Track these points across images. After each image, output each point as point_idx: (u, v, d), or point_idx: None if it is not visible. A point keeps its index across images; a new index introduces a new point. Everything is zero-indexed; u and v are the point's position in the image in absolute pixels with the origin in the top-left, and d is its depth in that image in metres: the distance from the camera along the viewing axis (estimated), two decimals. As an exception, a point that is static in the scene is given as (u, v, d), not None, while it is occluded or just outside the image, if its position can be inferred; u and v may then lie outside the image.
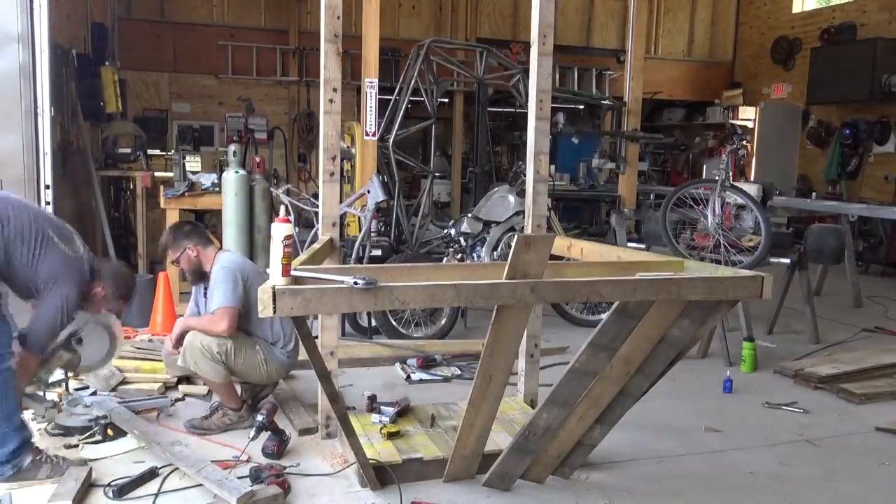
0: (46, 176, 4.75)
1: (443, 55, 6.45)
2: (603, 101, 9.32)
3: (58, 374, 3.79)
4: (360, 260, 5.50)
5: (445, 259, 5.90)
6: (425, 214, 6.33)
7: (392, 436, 3.45)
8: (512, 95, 7.41)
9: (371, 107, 6.14)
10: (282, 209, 2.79)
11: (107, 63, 7.38)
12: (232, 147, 5.99)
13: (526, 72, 5.48)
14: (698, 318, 2.83)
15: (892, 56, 9.69)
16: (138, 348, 4.71)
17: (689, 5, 12.14)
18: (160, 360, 4.39)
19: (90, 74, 6.96)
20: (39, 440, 3.51)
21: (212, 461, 3.25)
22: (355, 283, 2.37)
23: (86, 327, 3.70)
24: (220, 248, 3.99)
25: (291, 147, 9.90)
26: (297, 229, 5.84)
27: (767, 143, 11.21)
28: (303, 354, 2.78)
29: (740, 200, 5.76)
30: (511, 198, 6.07)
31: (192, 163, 7.58)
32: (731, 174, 5.95)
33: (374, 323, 5.54)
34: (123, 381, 4.28)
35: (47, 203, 4.75)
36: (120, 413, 3.65)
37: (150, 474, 3.15)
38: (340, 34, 3.43)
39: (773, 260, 5.70)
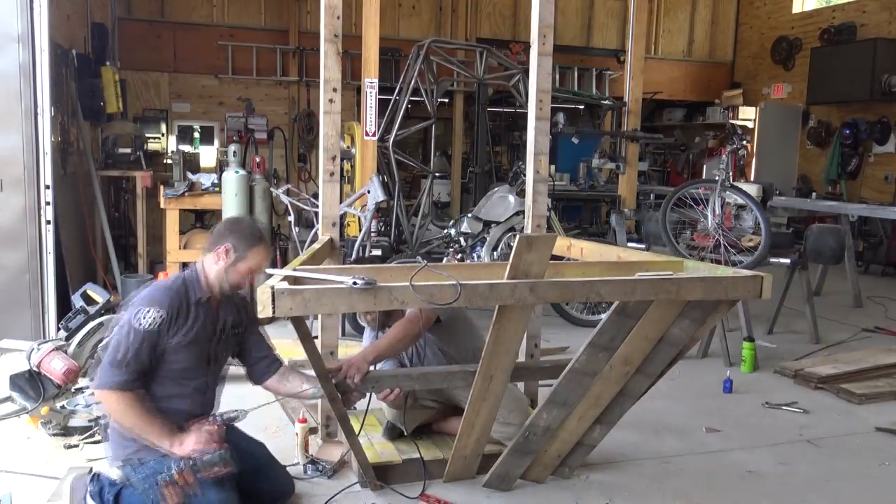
0: (46, 176, 4.74)
1: (443, 55, 6.44)
2: (603, 101, 9.31)
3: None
4: (359, 260, 5.50)
5: (445, 259, 5.90)
6: (425, 214, 6.32)
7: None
8: (512, 95, 7.41)
9: (371, 107, 6.14)
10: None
11: (107, 63, 7.38)
12: (232, 147, 6.00)
13: (526, 72, 5.47)
14: (698, 318, 2.83)
15: (892, 56, 9.67)
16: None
17: (689, 5, 12.12)
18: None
19: (90, 74, 6.95)
20: (40, 440, 3.51)
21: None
22: (355, 283, 2.37)
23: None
24: None
25: (291, 147, 9.89)
26: (297, 229, 5.85)
27: (767, 143, 11.21)
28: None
29: (740, 200, 5.75)
30: (511, 198, 6.07)
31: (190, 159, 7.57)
32: (731, 174, 5.95)
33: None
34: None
35: (47, 203, 4.75)
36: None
37: (150, 474, 3.14)
38: (340, 34, 3.43)
39: (773, 260, 5.70)
